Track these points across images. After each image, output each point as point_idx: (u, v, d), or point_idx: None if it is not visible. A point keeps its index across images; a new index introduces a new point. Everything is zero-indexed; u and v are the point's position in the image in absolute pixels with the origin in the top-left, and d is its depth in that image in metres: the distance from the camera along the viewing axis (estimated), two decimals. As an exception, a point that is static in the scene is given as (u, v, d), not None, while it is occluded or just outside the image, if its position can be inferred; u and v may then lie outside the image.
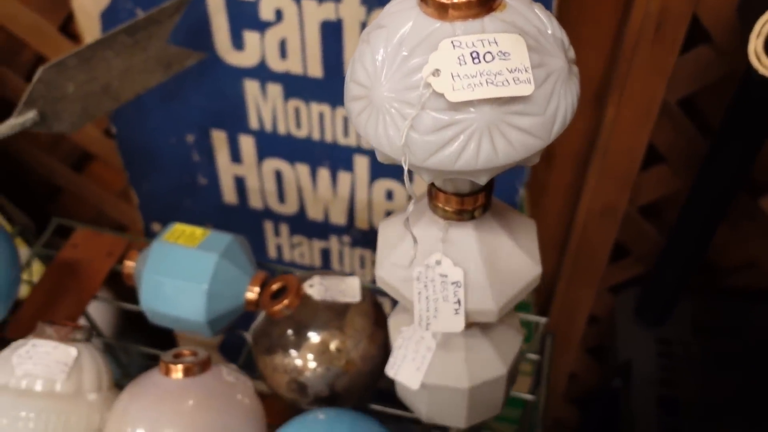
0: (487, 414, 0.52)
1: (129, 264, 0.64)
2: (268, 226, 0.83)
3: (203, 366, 0.52)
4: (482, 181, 0.33)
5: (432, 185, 0.39)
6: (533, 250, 0.43)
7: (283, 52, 0.66)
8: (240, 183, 0.79)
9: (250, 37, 0.66)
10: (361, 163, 0.73)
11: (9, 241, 0.55)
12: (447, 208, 0.39)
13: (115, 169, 0.96)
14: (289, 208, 0.80)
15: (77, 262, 0.72)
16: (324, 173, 0.75)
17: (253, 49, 0.67)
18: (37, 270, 0.74)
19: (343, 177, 0.75)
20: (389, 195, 0.75)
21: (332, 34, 0.63)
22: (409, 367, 0.49)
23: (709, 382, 0.79)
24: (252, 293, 0.61)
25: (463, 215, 0.39)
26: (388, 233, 0.44)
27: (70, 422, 0.52)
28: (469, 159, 0.31)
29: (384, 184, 0.74)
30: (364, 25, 0.62)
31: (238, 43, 0.67)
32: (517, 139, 0.31)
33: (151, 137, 0.78)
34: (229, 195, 0.81)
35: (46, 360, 0.53)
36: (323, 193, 0.77)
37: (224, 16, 0.64)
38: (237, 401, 0.52)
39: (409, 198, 0.52)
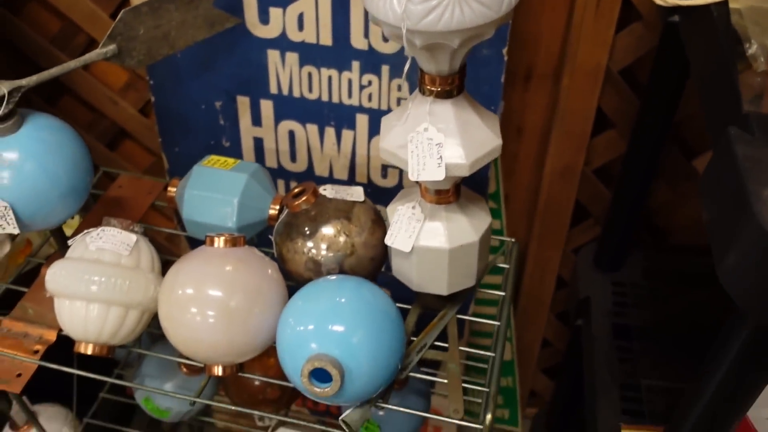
0: (465, 282, 0.66)
1: (172, 189, 0.78)
2: (280, 184, 0.97)
3: (240, 241, 0.66)
4: (455, 43, 0.48)
5: (421, 71, 0.54)
6: (495, 129, 0.58)
7: (300, 25, 0.82)
8: (258, 144, 0.94)
9: (274, 12, 0.82)
10: (362, 121, 0.88)
11: (85, 150, 0.69)
12: (432, 88, 0.54)
13: (145, 147, 1.11)
14: (299, 166, 0.95)
15: (122, 198, 0.86)
16: (330, 132, 0.90)
17: (276, 22, 0.83)
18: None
19: (347, 135, 0.90)
20: (384, 150, 0.90)
21: (341, 7, 0.80)
22: (403, 236, 0.63)
23: (655, 311, 0.93)
24: (273, 210, 0.76)
25: (443, 93, 0.54)
26: (390, 120, 0.59)
27: (132, 287, 0.65)
28: (446, 21, 0.46)
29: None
30: (366, -1, 0.78)
31: (264, 18, 0.83)
32: (478, 9, 0.46)
33: (184, 104, 0.92)
34: (248, 156, 0.95)
35: (112, 240, 0.67)
36: (328, 151, 0.92)
37: (254, -6, 0.81)
38: (267, 273, 0.65)
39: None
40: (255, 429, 1.07)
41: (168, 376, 0.92)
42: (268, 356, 0.88)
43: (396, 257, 0.66)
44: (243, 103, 0.91)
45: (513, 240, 0.79)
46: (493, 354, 0.68)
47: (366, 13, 0.78)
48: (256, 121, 0.92)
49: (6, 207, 0.61)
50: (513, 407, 1.34)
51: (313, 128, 0.91)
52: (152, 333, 1.06)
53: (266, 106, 0.90)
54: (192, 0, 0.70)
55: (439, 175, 0.55)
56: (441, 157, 0.55)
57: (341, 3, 0.79)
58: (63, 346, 0.71)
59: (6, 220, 0.61)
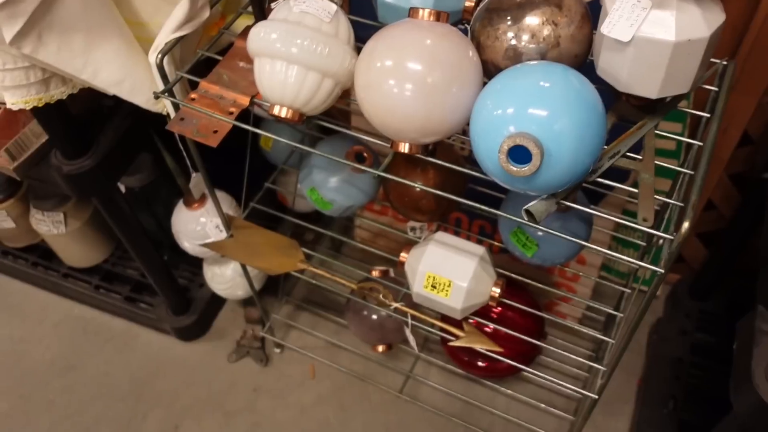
0: (679, 87, 0.61)
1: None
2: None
3: (444, 17, 0.63)
4: None
5: None
6: None
7: None
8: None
9: None
10: None
11: None
12: None
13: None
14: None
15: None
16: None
17: None
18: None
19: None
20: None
21: None
22: (623, 24, 0.58)
23: None
24: (469, 2, 0.72)
25: None
26: None
27: (330, 54, 0.65)
28: None
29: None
30: None
31: None
32: None
33: None
34: None
35: (315, 5, 0.66)
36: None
37: None
38: (468, 53, 0.63)
39: None
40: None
41: (336, 170, 0.94)
42: (426, 169, 0.89)
43: (607, 51, 0.61)
44: None
45: (725, 61, 0.71)
46: (692, 172, 0.64)
47: None
48: None
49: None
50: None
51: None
52: (313, 135, 1.09)
53: None
54: None
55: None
56: None
57: None
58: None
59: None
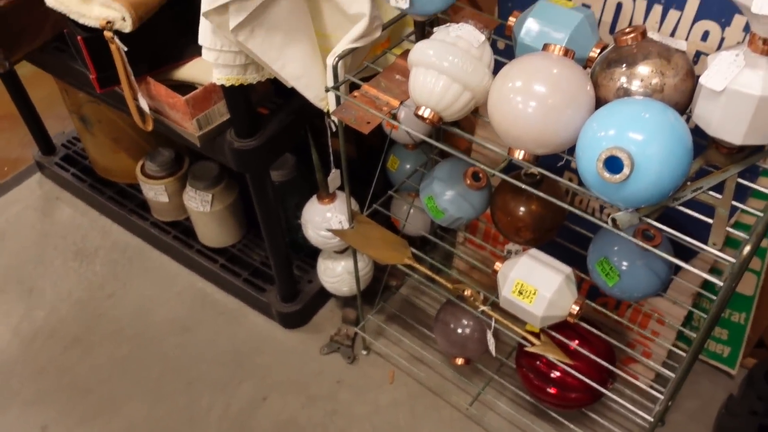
0: (762, 138, 0.72)
1: (512, 19, 0.93)
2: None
3: (571, 54, 0.78)
4: None
5: None
6: None
7: None
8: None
9: None
10: (692, 4, 0.94)
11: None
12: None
13: (477, 6, 1.26)
14: (615, 38, 1.04)
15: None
16: (657, 10, 0.98)
17: None
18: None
19: (672, 15, 0.97)
20: (705, 36, 0.96)
21: None
22: (719, 77, 0.70)
23: None
24: (594, 53, 0.87)
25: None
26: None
27: (474, 72, 0.81)
28: None
29: (704, 25, 0.95)
30: None
31: None
32: None
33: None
34: (572, 20, 1.06)
35: (468, 34, 0.83)
36: (649, 28, 1.00)
37: None
38: (585, 86, 0.77)
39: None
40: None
41: (453, 183, 1.10)
42: (531, 199, 1.03)
43: (702, 99, 0.74)
44: (585, -34, 1.01)
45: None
46: (761, 214, 0.74)
47: None
48: (592, -11, 1.02)
49: (407, -18, 0.79)
50: (736, 347, 1.34)
51: (641, 4, 0.99)
52: (435, 159, 1.25)
53: (603, -25, 1.00)
54: None
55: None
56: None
57: None
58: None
59: (402, -5, 0.80)
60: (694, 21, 0.95)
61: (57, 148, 1.90)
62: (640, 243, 0.85)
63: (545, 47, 0.79)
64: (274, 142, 1.14)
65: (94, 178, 1.79)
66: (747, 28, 0.91)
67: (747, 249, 0.68)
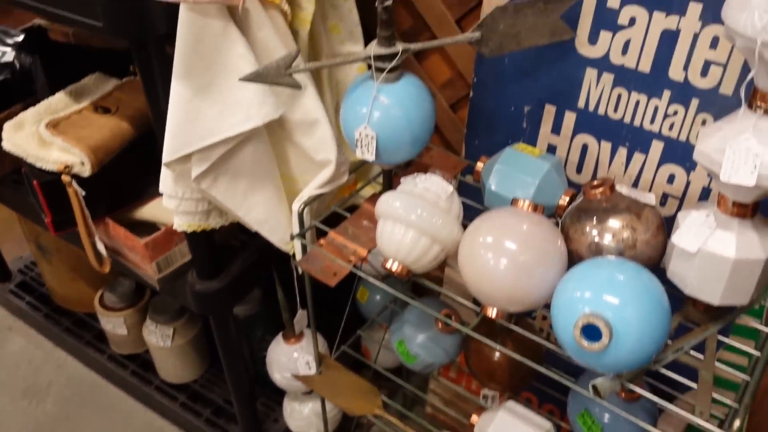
0: (738, 298, 0.70)
1: (480, 164, 0.92)
2: (560, 192, 1.07)
3: (540, 210, 0.76)
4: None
5: (755, 88, 0.61)
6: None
7: (624, 50, 0.92)
8: (551, 151, 1.05)
9: (604, 35, 0.92)
10: (656, 148, 0.95)
11: (434, 110, 0.85)
12: (762, 104, 0.61)
13: (444, 138, 1.27)
14: (583, 178, 1.04)
15: (432, 165, 1.02)
16: (622, 152, 0.98)
17: (603, 44, 0.93)
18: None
19: (638, 158, 0.97)
20: (671, 179, 0.96)
21: (670, 39, 0.88)
22: (691, 237, 0.69)
23: None
24: (563, 200, 0.86)
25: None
26: (710, 128, 0.66)
27: (443, 225, 0.79)
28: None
29: (669, 169, 0.95)
30: (696, 37, 0.86)
31: (593, 39, 0.94)
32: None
33: (497, 104, 1.07)
34: (539, 160, 1.07)
35: (436, 185, 0.81)
36: (615, 169, 1.00)
37: (590, 18, 0.92)
38: (557, 242, 0.75)
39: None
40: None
41: (424, 328, 1.05)
42: (506, 342, 0.98)
43: (676, 258, 0.72)
44: (549, 111, 1.02)
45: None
46: (748, 377, 0.71)
47: (691, 48, 0.85)
48: (556, 129, 1.03)
49: (373, 137, 0.78)
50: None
51: (606, 146, 1.00)
52: (407, 297, 1.22)
53: (569, 118, 1.01)
54: (546, 9, 0.83)
55: (750, 181, 0.61)
56: (756, 166, 0.60)
57: (671, 36, 0.88)
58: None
59: (369, 148, 0.79)
60: (659, 164, 0.96)
61: (13, 273, 1.83)
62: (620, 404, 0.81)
63: (514, 202, 0.77)
64: (238, 283, 1.10)
65: (50, 306, 1.71)
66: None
67: (737, 424, 0.64)
